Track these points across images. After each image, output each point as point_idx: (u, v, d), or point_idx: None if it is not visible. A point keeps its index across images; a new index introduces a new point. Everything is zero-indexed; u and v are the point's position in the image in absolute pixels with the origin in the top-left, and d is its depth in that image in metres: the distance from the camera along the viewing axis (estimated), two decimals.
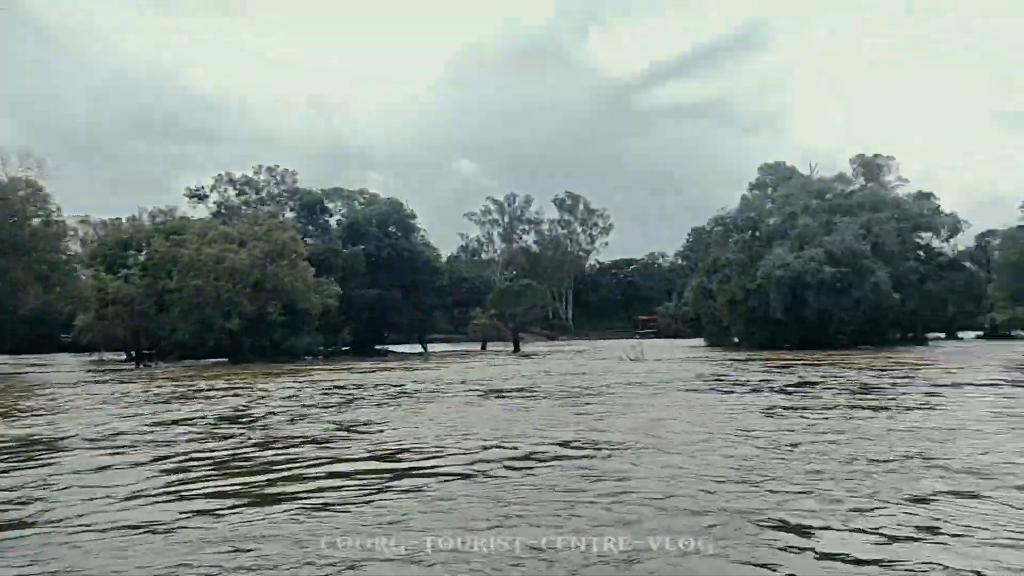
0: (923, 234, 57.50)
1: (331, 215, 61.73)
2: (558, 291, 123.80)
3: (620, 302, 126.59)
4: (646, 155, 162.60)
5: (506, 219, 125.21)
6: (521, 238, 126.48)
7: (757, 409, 14.69)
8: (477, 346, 69.48)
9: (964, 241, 60.82)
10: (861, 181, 61.77)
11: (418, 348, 65.56)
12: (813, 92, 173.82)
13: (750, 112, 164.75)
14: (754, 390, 19.33)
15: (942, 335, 72.58)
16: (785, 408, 14.82)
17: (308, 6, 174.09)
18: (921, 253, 57.93)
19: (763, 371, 28.19)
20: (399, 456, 9.71)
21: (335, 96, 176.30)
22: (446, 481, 7.68)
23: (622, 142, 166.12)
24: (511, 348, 62.88)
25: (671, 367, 32.01)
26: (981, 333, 71.15)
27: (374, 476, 8.29)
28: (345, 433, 12.12)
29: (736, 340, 62.24)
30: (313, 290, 45.71)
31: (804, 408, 14.86)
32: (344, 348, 61.12)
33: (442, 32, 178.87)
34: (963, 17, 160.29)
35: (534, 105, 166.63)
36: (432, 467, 8.72)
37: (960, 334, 73.54)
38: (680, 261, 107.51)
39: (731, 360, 38.02)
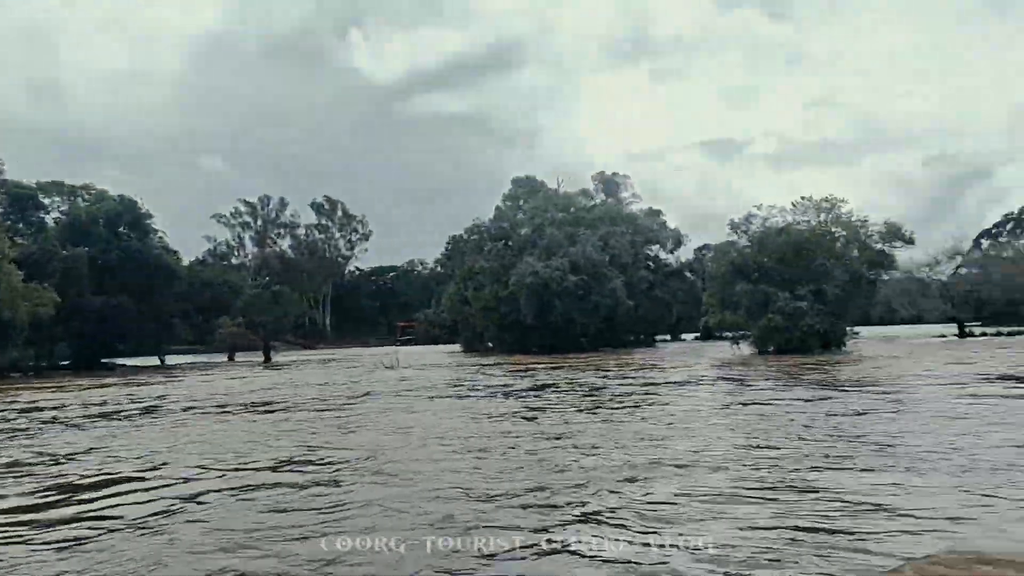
0: (652, 246, 63.62)
1: (47, 212, 54.19)
2: (315, 298, 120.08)
3: (380, 309, 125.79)
4: (406, 163, 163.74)
5: (259, 222, 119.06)
6: (275, 243, 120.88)
7: (500, 413, 14.84)
8: (224, 357, 64.96)
9: (686, 253, 68.50)
10: (602, 197, 67.01)
11: (156, 361, 59.71)
12: (563, 109, 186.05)
13: (507, 126, 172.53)
14: (494, 395, 19.70)
15: (668, 337, 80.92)
16: (533, 410, 15.17)
17: None
18: (651, 264, 64.10)
19: (507, 375, 29.11)
20: (76, 494, 8.31)
21: (60, 80, 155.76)
22: (111, 531, 6.59)
23: (382, 149, 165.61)
24: (262, 358, 59.58)
25: (424, 374, 31.96)
26: (699, 335, 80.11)
27: (28, 525, 6.94)
28: (15, 468, 10.26)
29: (491, 345, 64.32)
30: (21, 297, 39.59)
31: (539, 409, 15.31)
32: (63, 363, 53.83)
33: (184, 13, 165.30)
34: (693, 47, 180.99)
35: (290, 104, 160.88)
36: (105, 508, 7.52)
37: (684, 336, 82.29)
38: (439, 269, 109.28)
39: (480, 364, 38.96)
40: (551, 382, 24.18)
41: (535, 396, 19.18)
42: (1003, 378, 19.58)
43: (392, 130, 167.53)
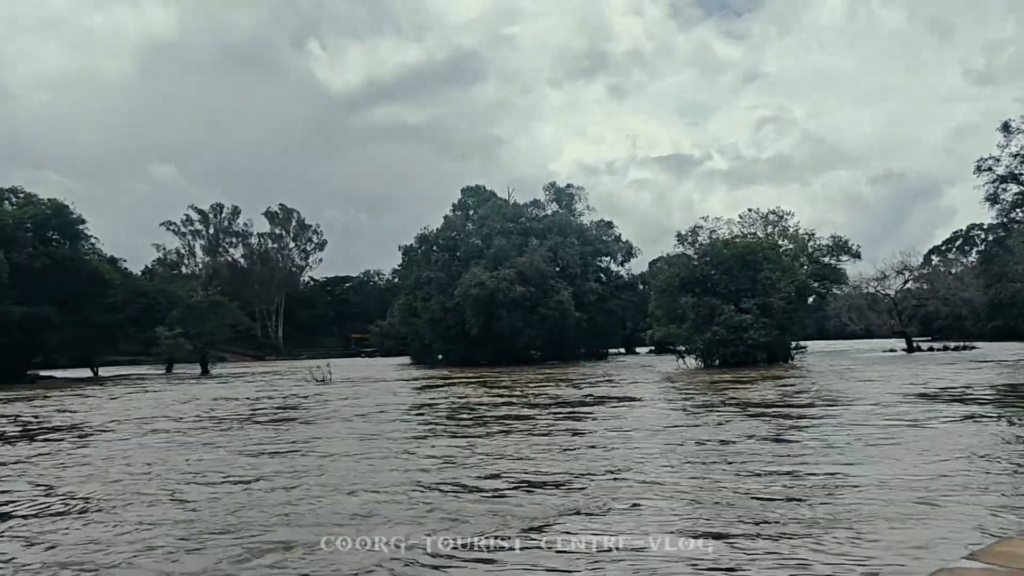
0: (603, 258, 62.87)
1: None
2: (268, 309, 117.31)
3: (335, 320, 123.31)
4: (363, 173, 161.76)
5: (211, 231, 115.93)
6: (227, 252, 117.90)
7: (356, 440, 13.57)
8: (163, 369, 62.52)
9: (640, 266, 67.83)
10: (554, 207, 65.97)
11: (88, 373, 57.11)
12: (521, 123, 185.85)
13: (465, 138, 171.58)
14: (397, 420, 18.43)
15: (622, 350, 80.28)
16: (440, 436, 13.93)
17: None
18: (602, 275, 63.32)
19: (418, 391, 27.83)
20: None
21: (3, 83, 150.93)
22: None
23: (339, 158, 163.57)
24: (199, 371, 57.39)
25: (349, 390, 30.53)
26: (653, 348, 79.61)
27: None
28: None
29: (440, 357, 62.90)
30: None
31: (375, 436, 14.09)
32: None
33: (135, 18, 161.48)
34: (650, 64, 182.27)
35: (246, 112, 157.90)
36: None
37: (639, 349, 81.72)
38: (395, 279, 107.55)
39: (410, 379, 37.60)
40: (445, 400, 23.00)
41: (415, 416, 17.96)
42: (927, 396, 18.89)
43: (349, 140, 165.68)
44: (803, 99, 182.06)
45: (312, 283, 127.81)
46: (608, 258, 63.28)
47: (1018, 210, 47.88)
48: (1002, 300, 52.95)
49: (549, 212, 63.94)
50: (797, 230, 47.39)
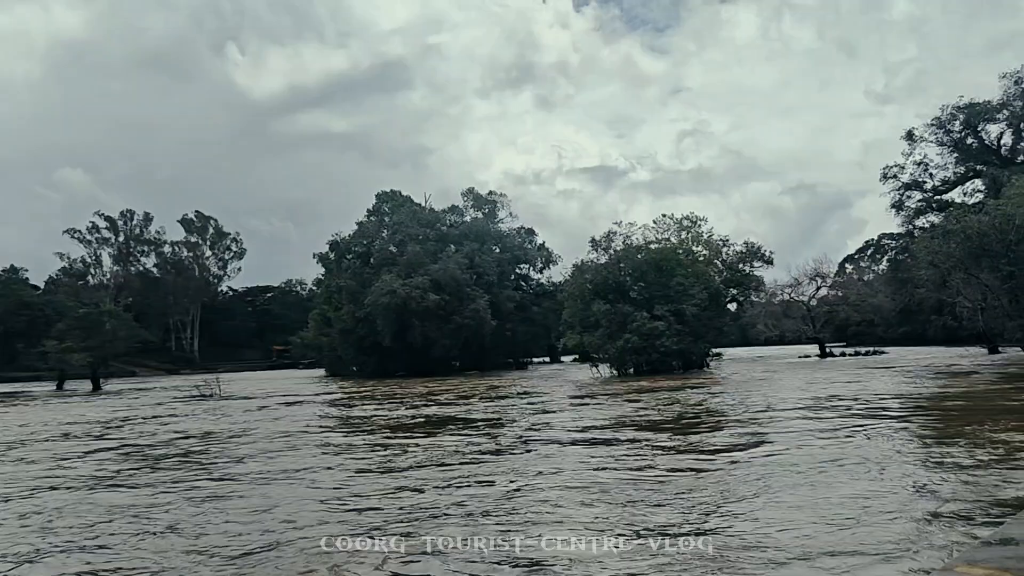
0: (523, 266, 61.74)
1: None
2: (183, 320, 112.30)
3: (255, 331, 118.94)
4: (288, 181, 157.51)
5: (120, 238, 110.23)
6: (138, 260, 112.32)
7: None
8: (54, 385, 58.35)
9: (563, 273, 66.91)
10: (473, 214, 64.60)
11: None
12: (449, 132, 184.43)
13: (391, 147, 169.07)
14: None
15: (546, 359, 79.25)
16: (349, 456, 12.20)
17: None
18: (522, 283, 62.18)
19: (287, 405, 25.98)
20: None
21: None
22: None
23: (262, 166, 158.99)
24: (91, 387, 53.63)
25: (231, 405, 28.36)
26: (577, 357, 78.87)
27: None
28: None
29: (355, 369, 60.59)
30: None
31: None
32: None
33: (45, 19, 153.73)
34: (577, 76, 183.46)
35: (161, 117, 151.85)
36: None
37: (564, 358, 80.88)
38: (317, 289, 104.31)
39: (303, 395, 35.54)
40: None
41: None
42: (831, 406, 18.17)
43: (272, 148, 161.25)
44: (722, 113, 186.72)
45: (231, 293, 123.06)
46: (528, 266, 62.16)
47: (922, 217, 48.91)
48: (909, 306, 53.99)
49: (468, 219, 62.49)
50: (711, 236, 47.08)
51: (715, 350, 47.95)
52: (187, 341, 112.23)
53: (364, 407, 24.12)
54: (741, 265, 47.73)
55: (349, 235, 57.96)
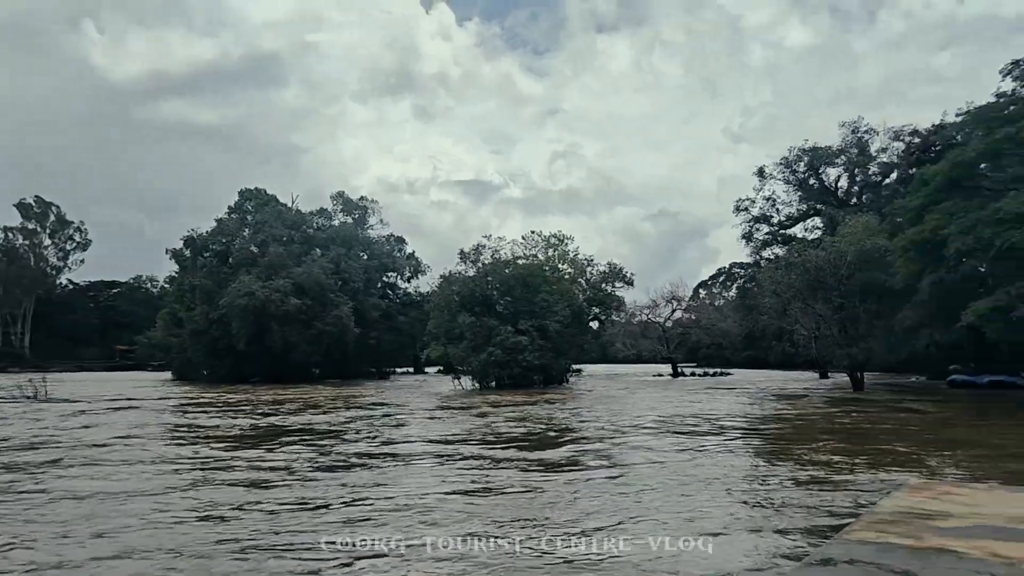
0: (391, 274, 60.88)
1: None
2: (13, 314, 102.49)
3: (97, 328, 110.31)
4: (144, 171, 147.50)
5: None
6: None
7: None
8: None
9: (431, 283, 66.46)
10: (343, 218, 63.05)
11: None
12: (324, 133, 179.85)
13: (261, 144, 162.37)
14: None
15: (411, 369, 78.38)
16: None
17: None
18: (389, 292, 61.27)
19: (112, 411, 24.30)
20: None
21: None
22: None
23: (118, 153, 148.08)
24: None
25: (47, 409, 26.03)
26: (441, 368, 78.49)
27: None
28: None
29: (206, 373, 57.34)
30: None
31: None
32: None
33: None
34: (457, 89, 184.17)
35: (3, 92, 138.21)
36: None
37: (428, 369, 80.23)
38: (169, 287, 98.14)
39: (133, 400, 33.31)
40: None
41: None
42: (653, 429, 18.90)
43: (129, 134, 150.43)
44: (595, 137, 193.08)
45: (71, 287, 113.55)
46: (396, 274, 61.32)
47: (768, 249, 52.50)
48: (754, 332, 57.57)
49: (337, 223, 60.92)
50: (577, 255, 48.44)
51: (576, 366, 49.13)
52: (17, 336, 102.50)
53: (201, 414, 22.82)
54: (604, 285, 49.34)
55: (207, 232, 54.94)
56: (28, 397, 29.52)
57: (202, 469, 11.53)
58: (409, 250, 64.54)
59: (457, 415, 22.18)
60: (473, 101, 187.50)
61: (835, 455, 12.57)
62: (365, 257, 57.86)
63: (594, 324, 54.69)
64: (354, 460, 12.51)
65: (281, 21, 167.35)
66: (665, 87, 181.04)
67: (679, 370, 59.37)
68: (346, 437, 16.06)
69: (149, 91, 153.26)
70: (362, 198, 66.63)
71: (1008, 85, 26.78)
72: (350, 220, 62.71)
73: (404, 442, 15.25)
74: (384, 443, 15.03)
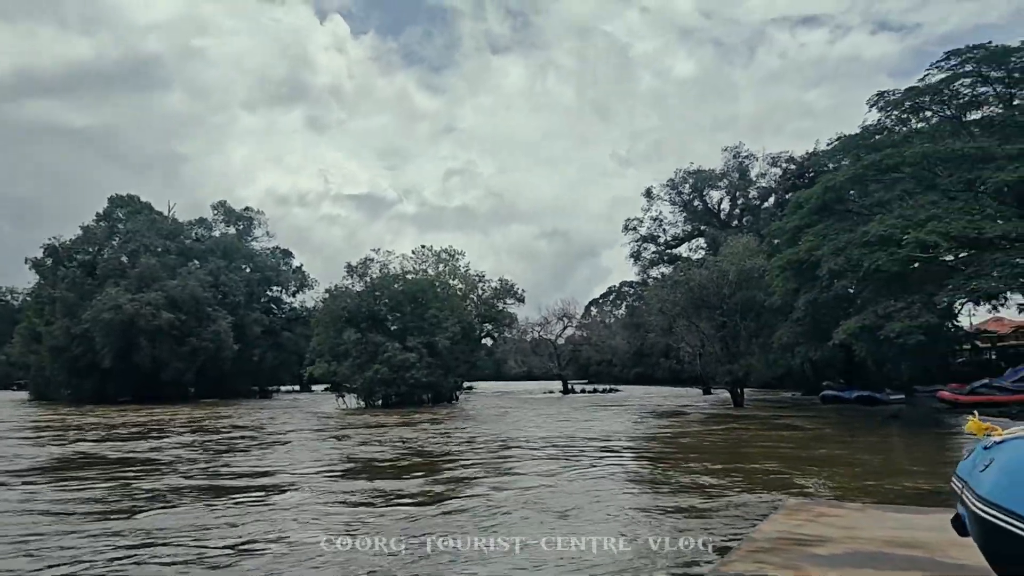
0: (275, 288, 58.38)
1: None
2: None
3: None
4: (6, 174, 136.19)
5: None
6: None
7: None
8: None
9: (316, 298, 64.14)
10: (224, 229, 60.10)
11: None
12: (210, 141, 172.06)
13: (140, 150, 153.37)
14: None
15: (296, 388, 75.34)
16: None
17: None
18: (273, 306, 58.69)
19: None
20: None
21: None
22: None
23: None
24: None
25: None
26: (328, 386, 75.83)
27: None
28: None
29: (68, 392, 52.92)
30: None
31: None
32: None
33: None
34: (351, 102, 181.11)
35: None
36: None
37: (315, 387, 77.27)
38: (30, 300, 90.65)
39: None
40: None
41: None
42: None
43: None
44: (489, 156, 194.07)
45: None
46: (281, 288, 58.83)
47: (655, 268, 53.76)
48: (642, 349, 58.76)
49: (216, 234, 57.92)
50: (468, 271, 47.91)
51: (468, 383, 48.41)
52: None
53: (21, 441, 20.60)
54: (495, 301, 49.05)
55: (72, 240, 50.92)
56: None
57: None
58: (296, 263, 62.38)
59: (325, 437, 21.00)
60: (367, 115, 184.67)
61: (713, 476, 12.39)
62: (248, 270, 55.26)
63: (487, 341, 54.31)
64: (133, 500, 11.21)
65: (164, 23, 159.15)
66: (557, 109, 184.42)
67: (570, 387, 59.68)
68: (161, 469, 14.08)
69: (13, 89, 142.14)
70: (246, 208, 63.79)
71: (874, 116, 28.27)
72: (232, 231, 59.84)
73: (227, 476, 13.24)
74: (206, 476, 13.20)
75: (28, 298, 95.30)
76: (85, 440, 20.53)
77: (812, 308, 26.91)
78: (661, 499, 10.22)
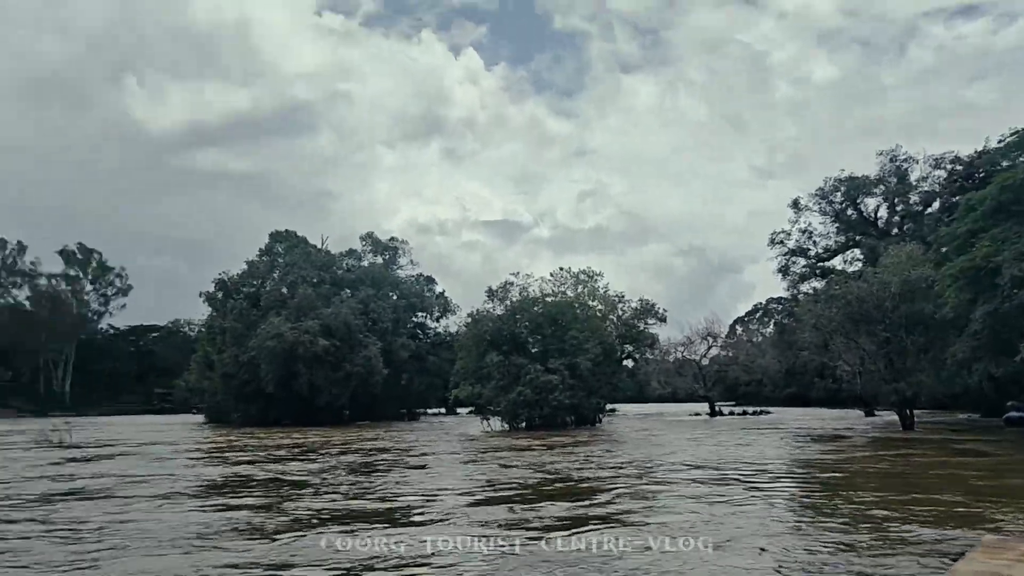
0: (420, 314, 60.34)
1: None
2: (56, 359, 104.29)
3: (137, 373, 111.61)
4: (183, 219, 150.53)
5: None
6: (9, 292, 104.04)
7: None
8: None
9: (459, 323, 65.69)
10: (372, 259, 62.87)
11: None
12: (355, 178, 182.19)
13: (294, 190, 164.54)
14: None
15: (442, 410, 77.34)
16: None
17: None
18: (419, 332, 60.65)
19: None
20: None
21: None
22: None
23: (157, 202, 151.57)
24: None
25: (45, 457, 25.57)
26: (473, 409, 77.28)
27: None
28: None
29: (237, 416, 57.03)
30: None
31: None
32: None
33: None
34: (484, 132, 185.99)
35: (49, 143, 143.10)
36: None
37: (460, 410, 79.06)
38: (204, 331, 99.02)
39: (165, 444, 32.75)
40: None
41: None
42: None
43: (167, 183, 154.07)
44: (621, 175, 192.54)
45: (112, 331, 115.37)
46: (425, 314, 60.76)
47: (806, 283, 50.86)
48: (794, 368, 55.61)
49: (365, 264, 60.80)
50: (607, 291, 47.38)
51: (610, 405, 47.66)
52: (58, 381, 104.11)
53: (194, 461, 22.12)
54: (636, 322, 48.13)
55: (238, 274, 55.19)
56: (54, 443, 29.16)
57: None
58: (439, 289, 64.27)
59: (479, 459, 21.14)
60: (500, 143, 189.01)
61: (887, 507, 11.28)
62: (394, 297, 57.51)
63: (628, 362, 53.34)
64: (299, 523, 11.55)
65: (312, 71, 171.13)
66: (689, 124, 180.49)
67: (717, 409, 57.45)
68: (307, 490, 14.61)
69: (185, 141, 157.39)
70: (392, 239, 66.48)
71: None
72: (380, 261, 62.60)
73: (369, 498, 13.63)
74: (349, 498, 13.54)
75: (202, 329, 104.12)
76: (242, 462, 21.83)
77: (992, 320, 24.33)
78: (831, 533, 9.37)
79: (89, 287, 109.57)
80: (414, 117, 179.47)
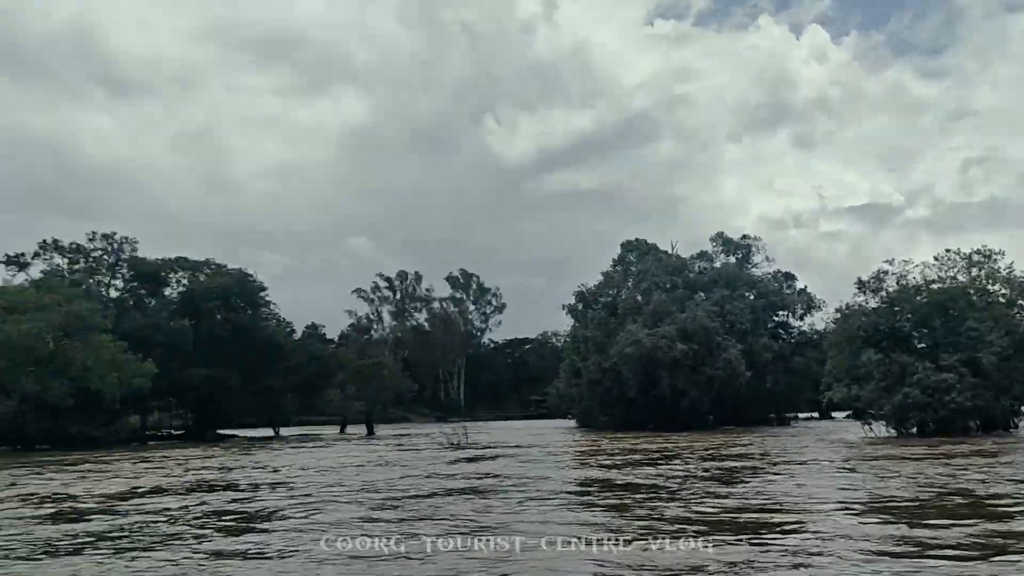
0: (780, 312, 57.10)
1: (167, 286, 56.88)
2: (450, 371, 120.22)
3: (513, 381, 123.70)
4: (540, 239, 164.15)
5: (397, 296, 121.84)
6: (412, 316, 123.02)
7: None
8: (335, 428, 64.95)
9: (825, 320, 60.71)
10: (724, 259, 61.39)
11: (270, 432, 60.54)
12: (700, 180, 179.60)
13: (641, 199, 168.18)
14: None
15: (815, 414, 71.95)
16: None
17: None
18: (780, 331, 57.43)
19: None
20: None
21: (233, 174, 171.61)
22: None
23: (514, 226, 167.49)
24: (366, 431, 58.80)
25: (451, 456, 28.84)
26: (850, 413, 70.72)
27: None
28: None
29: (604, 420, 59.72)
30: (114, 368, 40.74)
31: None
32: (176, 432, 55.64)
33: (336, 111, 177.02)
34: (838, 110, 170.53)
35: (428, 187, 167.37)
36: None
37: (834, 413, 72.92)
38: (569, 340, 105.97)
39: (558, 447, 35.12)
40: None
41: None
42: None
43: (524, 208, 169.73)
44: (1018, 135, 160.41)
45: (491, 345, 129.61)
46: (787, 313, 57.32)
47: None
48: None
49: (718, 265, 59.51)
50: (1011, 273, 39.63)
51: None
52: (454, 390, 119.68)
53: (582, 463, 23.08)
54: None
55: (595, 285, 57.99)
56: (454, 445, 33.38)
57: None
58: (800, 286, 60.27)
59: (845, 468, 18.98)
60: (859, 120, 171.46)
61: None
62: (751, 297, 55.33)
63: None
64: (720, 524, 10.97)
65: (650, 80, 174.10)
66: None
67: None
68: (662, 495, 14.25)
69: (537, 167, 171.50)
70: (744, 236, 64.12)
71: None
72: (732, 260, 60.81)
73: (730, 509, 12.45)
74: (707, 505, 12.75)
75: (567, 339, 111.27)
76: (603, 464, 22.47)
77: None
78: None
79: (472, 307, 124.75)
80: (758, 106, 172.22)
